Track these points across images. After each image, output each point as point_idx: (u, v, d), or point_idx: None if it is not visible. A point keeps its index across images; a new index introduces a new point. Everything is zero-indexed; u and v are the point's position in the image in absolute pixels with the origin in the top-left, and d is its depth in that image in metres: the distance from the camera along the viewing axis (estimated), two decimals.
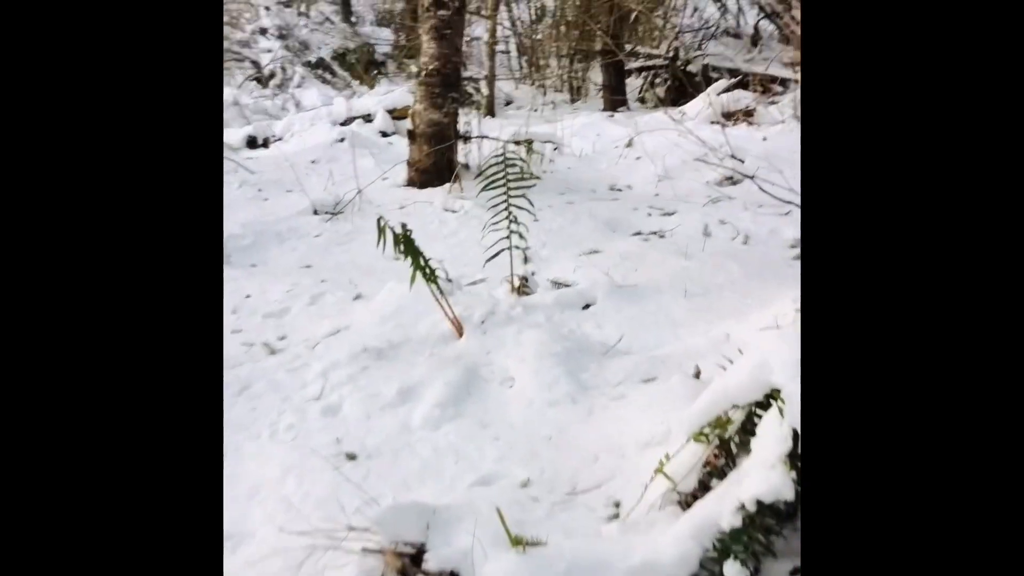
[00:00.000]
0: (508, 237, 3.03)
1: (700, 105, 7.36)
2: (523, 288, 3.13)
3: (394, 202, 4.80)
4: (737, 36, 11.59)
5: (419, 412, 2.40)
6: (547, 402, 2.35)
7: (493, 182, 2.99)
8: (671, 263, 3.36)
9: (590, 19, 10.89)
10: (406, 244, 2.70)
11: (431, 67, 4.92)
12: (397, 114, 7.91)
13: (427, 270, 2.76)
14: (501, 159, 2.98)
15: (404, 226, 2.74)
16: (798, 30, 10.39)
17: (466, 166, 5.08)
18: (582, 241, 3.88)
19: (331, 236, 4.42)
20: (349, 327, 3.03)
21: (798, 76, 9.34)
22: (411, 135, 5.08)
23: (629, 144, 6.35)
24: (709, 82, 9.46)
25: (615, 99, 9.96)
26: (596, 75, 11.65)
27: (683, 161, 5.40)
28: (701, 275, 3.17)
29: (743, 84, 7.95)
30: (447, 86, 4.97)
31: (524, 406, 2.36)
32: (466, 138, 5.17)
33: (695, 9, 12.03)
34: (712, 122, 7.17)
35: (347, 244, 4.31)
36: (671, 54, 10.65)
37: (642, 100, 10.81)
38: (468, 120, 5.21)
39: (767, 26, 11.70)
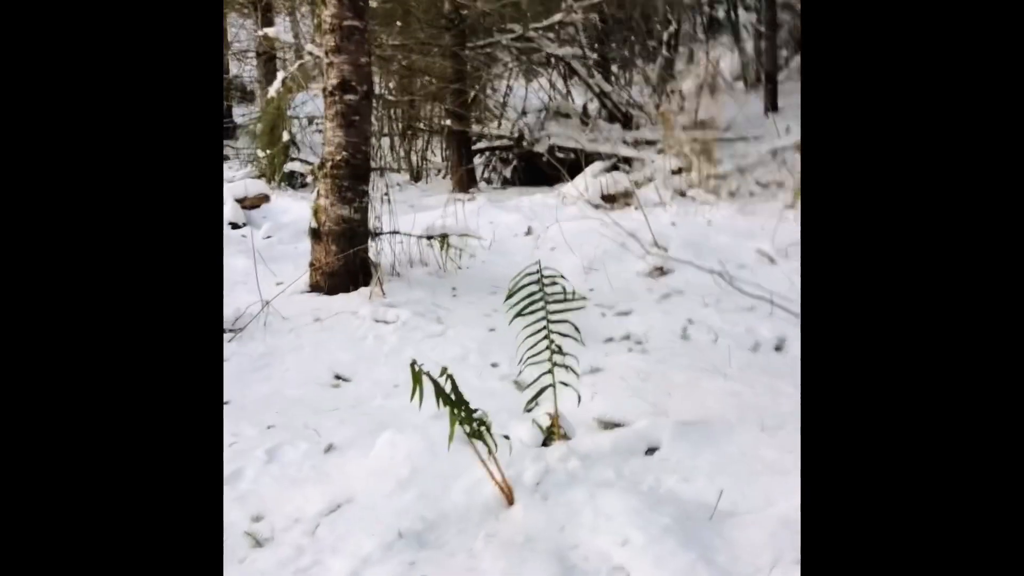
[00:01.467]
0: (551, 371, 2.47)
1: (578, 187, 7.10)
2: (557, 430, 2.57)
3: (306, 313, 4.09)
4: (567, 116, 11.63)
5: None
6: None
7: (529, 305, 2.43)
8: (710, 385, 2.91)
9: (433, 98, 10.57)
10: (454, 400, 2.09)
11: (338, 158, 4.30)
12: (248, 203, 7.16)
13: (473, 424, 2.15)
14: (536, 276, 2.44)
15: (445, 370, 2.14)
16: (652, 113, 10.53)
17: (376, 266, 4.46)
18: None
19: (242, 361, 3.65)
20: (352, 499, 2.34)
21: (644, 155, 9.39)
22: (315, 234, 4.40)
23: (529, 232, 5.96)
24: (556, 162, 9.37)
25: (465, 180, 9.61)
26: (431, 154, 11.31)
27: (604, 251, 5.04)
28: (760, 402, 2.73)
29: (615, 166, 7.81)
30: (356, 178, 4.35)
31: None
32: (375, 234, 4.55)
33: (522, 89, 12.00)
34: (595, 205, 6.95)
35: (265, 370, 3.57)
36: (516, 134, 10.50)
37: (487, 180, 10.55)
38: (377, 215, 4.60)
39: (593, 106, 11.84)
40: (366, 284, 4.39)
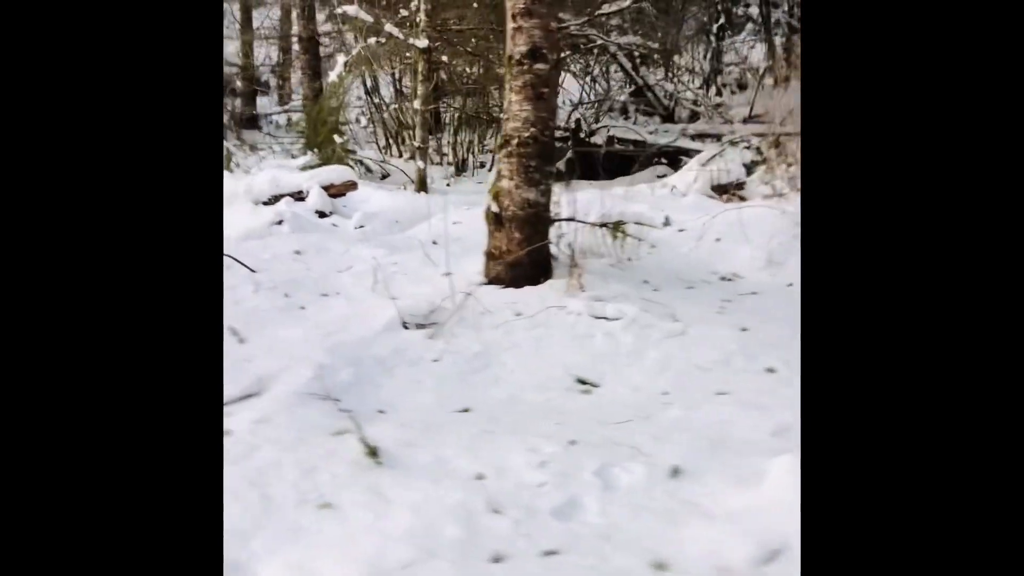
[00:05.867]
0: None
1: (688, 177, 6.67)
2: None
3: (504, 306, 3.58)
4: (611, 109, 11.22)
5: None
6: None
7: None
8: None
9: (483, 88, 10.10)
10: None
11: (526, 135, 3.80)
12: (333, 191, 6.66)
13: None
14: None
15: None
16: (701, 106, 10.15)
17: (568, 256, 3.97)
18: None
19: (455, 360, 3.15)
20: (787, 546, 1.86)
21: (707, 150, 8.95)
22: (497, 220, 3.89)
23: (667, 223, 5.50)
24: (616, 154, 9.00)
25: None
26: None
27: (780, 243, 4.61)
28: None
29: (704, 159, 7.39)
30: (543, 157, 3.87)
31: None
32: (553, 220, 4.07)
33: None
34: (707, 196, 6.52)
35: (485, 371, 3.08)
36: (573, 125, 10.07)
37: None
38: (555, 199, 4.11)
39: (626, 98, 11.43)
40: (547, 276, 3.91)
